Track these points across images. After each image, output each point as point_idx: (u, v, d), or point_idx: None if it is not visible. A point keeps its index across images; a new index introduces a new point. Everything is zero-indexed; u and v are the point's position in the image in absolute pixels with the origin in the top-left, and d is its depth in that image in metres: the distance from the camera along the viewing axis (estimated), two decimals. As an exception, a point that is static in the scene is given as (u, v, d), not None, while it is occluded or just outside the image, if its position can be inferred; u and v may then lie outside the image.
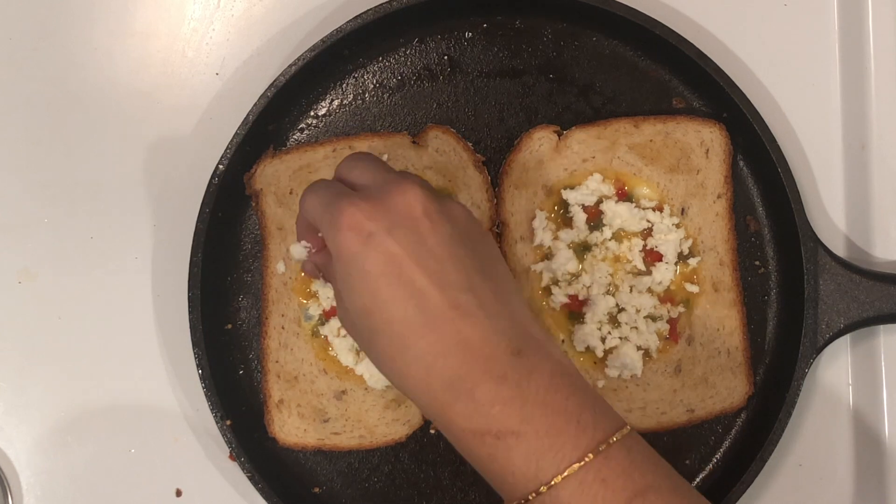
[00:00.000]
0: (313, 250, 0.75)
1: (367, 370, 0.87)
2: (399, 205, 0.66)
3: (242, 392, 0.90)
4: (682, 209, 0.89)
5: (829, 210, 0.93)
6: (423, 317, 0.64)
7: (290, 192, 0.89)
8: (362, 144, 0.89)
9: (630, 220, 0.87)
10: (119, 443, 0.91)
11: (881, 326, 0.89)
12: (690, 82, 0.91)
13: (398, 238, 0.65)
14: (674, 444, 0.90)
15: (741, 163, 0.91)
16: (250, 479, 0.86)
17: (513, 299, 0.68)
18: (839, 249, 0.92)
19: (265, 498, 0.86)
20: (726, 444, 0.90)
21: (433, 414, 0.65)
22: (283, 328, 0.88)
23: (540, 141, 0.89)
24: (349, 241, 0.65)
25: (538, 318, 0.87)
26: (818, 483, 0.91)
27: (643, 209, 0.88)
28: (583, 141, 0.89)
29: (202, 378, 0.86)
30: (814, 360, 0.86)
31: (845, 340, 0.91)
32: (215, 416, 0.86)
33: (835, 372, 0.92)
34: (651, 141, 0.89)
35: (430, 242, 0.65)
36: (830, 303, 0.86)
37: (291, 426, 0.88)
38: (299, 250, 0.77)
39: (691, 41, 0.87)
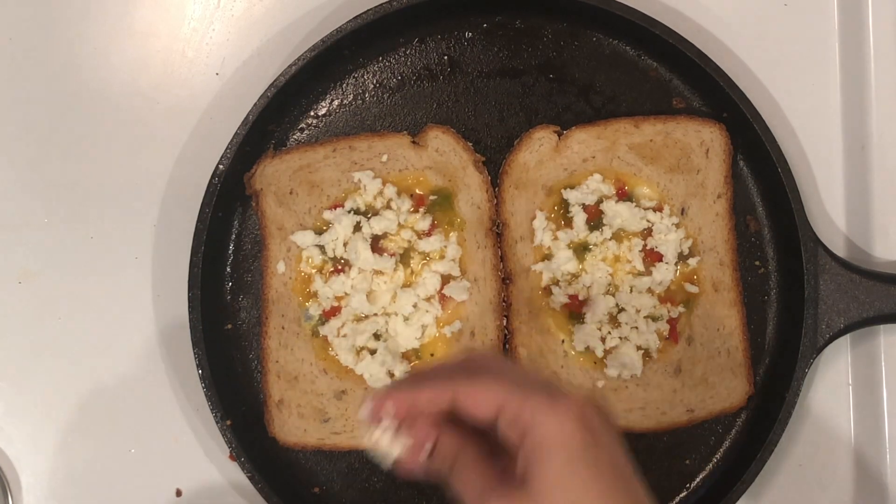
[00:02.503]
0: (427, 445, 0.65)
1: (366, 370, 0.87)
2: (599, 411, 0.62)
3: (242, 392, 0.90)
4: (682, 209, 0.89)
5: (829, 210, 0.93)
6: None
7: (291, 192, 0.89)
8: (362, 144, 0.89)
9: (630, 220, 0.87)
10: (119, 443, 0.91)
11: (881, 326, 0.89)
12: (690, 82, 0.91)
13: (620, 442, 0.62)
14: (674, 444, 0.90)
15: (741, 163, 0.91)
16: (250, 479, 0.86)
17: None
18: (839, 249, 0.92)
19: (265, 498, 0.86)
20: (726, 444, 0.90)
21: None
22: (283, 328, 0.88)
23: (540, 141, 0.89)
24: (577, 433, 0.60)
25: (539, 320, 0.87)
26: (818, 483, 0.91)
27: (643, 209, 0.88)
28: (583, 141, 0.89)
29: (202, 378, 0.86)
30: (814, 360, 0.86)
31: (845, 340, 0.91)
32: (215, 416, 0.86)
33: (835, 372, 0.92)
34: (651, 141, 0.89)
35: (627, 454, 0.63)
36: (830, 303, 0.86)
37: (291, 426, 0.88)
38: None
39: (691, 41, 0.87)
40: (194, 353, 0.86)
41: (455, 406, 0.63)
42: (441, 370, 0.66)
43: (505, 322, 0.88)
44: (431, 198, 0.88)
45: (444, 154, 0.89)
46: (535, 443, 0.61)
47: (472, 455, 0.64)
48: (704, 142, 0.89)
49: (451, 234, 0.88)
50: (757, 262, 0.91)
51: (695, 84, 0.90)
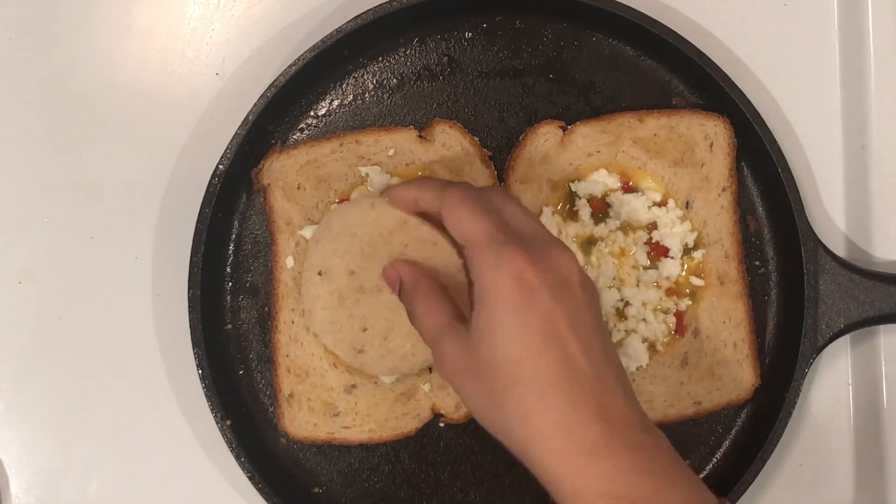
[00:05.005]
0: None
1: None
2: (562, 268, 0.68)
3: (242, 392, 0.90)
4: (687, 202, 0.89)
5: (829, 210, 0.93)
6: (572, 381, 0.66)
7: (298, 187, 0.89)
8: (369, 139, 0.89)
9: (637, 210, 0.88)
10: (119, 443, 0.91)
11: (881, 326, 0.89)
12: (690, 82, 0.91)
13: (562, 301, 0.67)
14: (674, 444, 0.89)
15: (741, 163, 0.91)
16: (250, 479, 0.86)
17: (628, 379, 0.71)
18: (839, 249, 0.92)
19: (265, 498, 0.86)
20: (726, 443, 0.90)
21: (559, 472, 0.66)
22: (292, 322, 0.89)
23: (545, 136, 0.89)
24: (512, 290, 0.66)
25: None
26: (818, 483, 0.91)
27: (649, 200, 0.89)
28: (587, 136, 0.89)
29: (202, 378, 0.86)
30: (814, 360, 0.86)
31: (845, 340, 0.91)
32: (215, 416, 0.86)
33: (835, 372, 0.92)
34: (655, 135, 0.89)
35: (584, 313, 0.68)
36: (830, 303, 0.86)
37: (302, 420, 0.88)
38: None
39: (691, 41, 0.87)
40: (194, 353, 0.86)
41: (442, 219, 0.72)
42: (453, 186, 0.73)
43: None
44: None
45: (451, 149, 0.89)
46: (478, 288, 0.68)
47: (426, 298, 0.73)
48: (708, 135, 0.89)
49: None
50: (757, 262, 0.91)
51: (695, 84, 0.91)
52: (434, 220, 0.76)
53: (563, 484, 0.66)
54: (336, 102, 0.91)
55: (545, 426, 0.66)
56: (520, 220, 0.72)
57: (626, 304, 0.88)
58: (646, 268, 0.88)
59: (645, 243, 0.88)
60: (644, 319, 0.88)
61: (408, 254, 0.80)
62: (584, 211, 0.88)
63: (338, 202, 0.89)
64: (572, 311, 0.67)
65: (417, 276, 0.76)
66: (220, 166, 0.87)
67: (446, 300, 0.74)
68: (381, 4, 0.87)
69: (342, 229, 0.82)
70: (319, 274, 0.85)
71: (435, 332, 0.72)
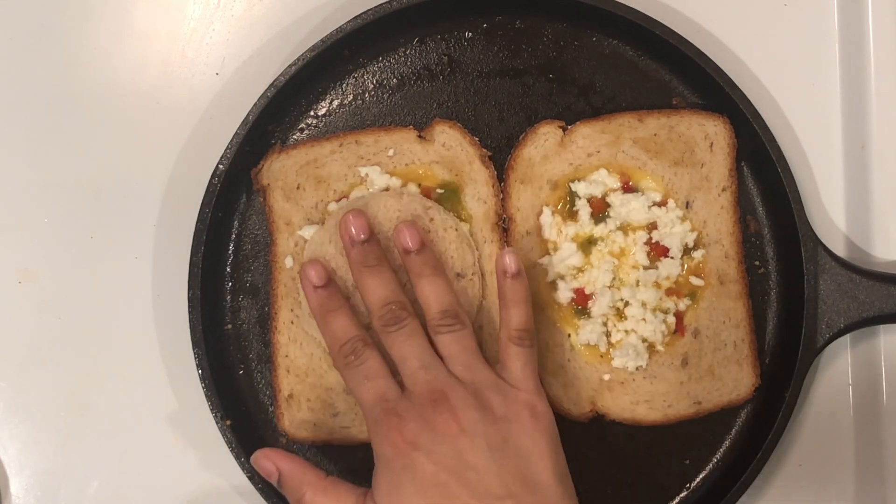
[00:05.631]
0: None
1: None
2: (440, 423, 0.73)
3: (242, 392, 0.90)
4: (687, 202, 0.89)
5: (829, 210, 0.93)
6: None
7: (298, 187, 0.89)
8: (369, 139, 0.89)
9: (637, 210, 0.88)
10: (119, 443, 0.91)
11: (881, 326, 0.89)
12: (690, 82, 0.91)
13: (439, 456, 0.71)
14: (674, 444, 0.90)
15: (741, 163, 0.91)
16: (250, 479, 0.86)
17: (557, 495, 0.74)
18: (839, 249, 0.92)
19: (265, 498, 0.86)
20: (726, 443, 0.90)
21: None
22: (292, 323, 0.89)
23: (545, 136, 0.89)
24: (394, 451, 0.73)
25: (545, 314, 0.88)
26: (818, 483, 0.91)
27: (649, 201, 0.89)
28: (587, 136, 0.89)
29: (202, 378, 0.86)
30: (814, 360, 0.86)
31: (845, 340, 0.91)
32: (215, 417, 0.86)
33: (835, 372, 0.92)
34: (655, 135, 0.89)
35: (470, 457, 0.72)
36: (830, 303, 0.86)
37: (301, 420, 0.88)
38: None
39: (691, 41, 0.87)
40: (194, 353, 0.86)
41: None
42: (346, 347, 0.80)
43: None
44: (438, 191, 0.89)
45: (451, 149, 0.89)
46: (375, 454, 0.75)
47: (329, 485, 0.77)
48: (708, 135, 0.89)
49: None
50: (757, 262, 0.91)
51: (695, 84, 0.91)
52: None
53: None
54: (336, 102, 0.91)
55: None
56: (408, 371, 0.76)
57: (626, 304, 0.88)
58: (646, 268, 0.88)
59: (645, 243, 0.88)
60: (644, 319, 0.88)
61: (426, 241, 0.84)
62: (584, 211, 0.88)
63: (336, 202, 0.89)
64: (455, 459, 0.71)
65: (303, 468, 0.77)
66: (220, 166, 0.87)
67: (342, 488, 0.76)
68: (381, 4, 0.87)
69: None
70: None
71: None
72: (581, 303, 0.88)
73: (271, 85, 0.87)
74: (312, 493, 0.76)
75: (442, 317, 0.79)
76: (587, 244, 0.88)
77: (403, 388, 0.77)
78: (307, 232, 0.88)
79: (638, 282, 0.88)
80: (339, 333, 0.80)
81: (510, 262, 0.81)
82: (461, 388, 0.75)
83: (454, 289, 0.84)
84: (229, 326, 0.91)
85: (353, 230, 0.82)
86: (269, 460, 0.78)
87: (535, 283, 0.88)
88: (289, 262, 0.89)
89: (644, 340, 0.88)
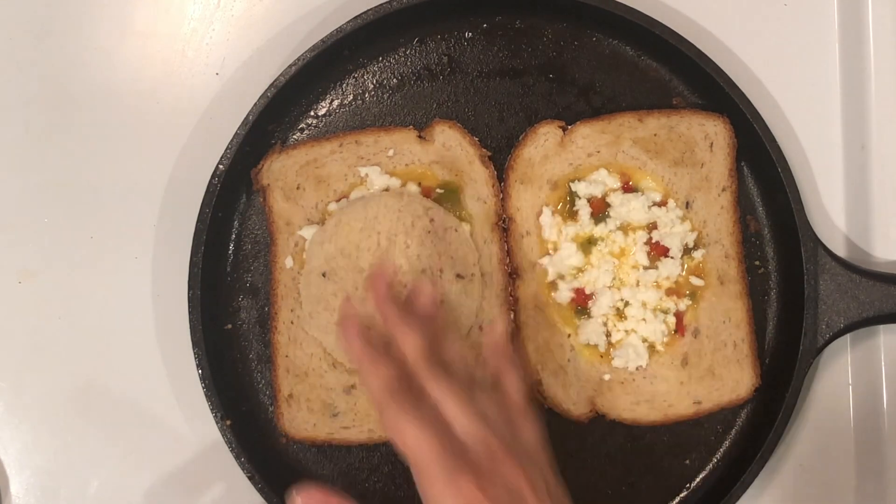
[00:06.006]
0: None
1: None
2: (511, 479, 0.69)
3: (242, 392, 0.90)
4: (687, 202, 0.89)
5: (829, 210, 0.93)
6: None
7: (298, 188, 0.89)
8: (369, 139, 0.89)
9: (637, 210, 0.88)
10: (119, 443, 0.91)
11: (881, 326, 0.89)
12: (690, 82, 0.91)
13: None
14: (674, 444, 0.90)
15: (741, 163, 0.91)
16: (250, 479, 0.86)
17: None
18: (839, 249, 0.92)
19: (265, 498, 0.86)
20: (727, 443, 0.90)
21: None
22: (292, 323, 0.89)
23: (545, 136, 0.89)
24: None
25: (545, 314, 0.88)
26: (818, 483, 0.91)
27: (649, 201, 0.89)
28: (587, 136, 0.89)
29: (202, 378, 0.86)
30: (814, 360, 0.86)
31: (845, 340, 0.91)
32: (215, 417, 0.86)
33: (835, 372, 0.92)
34: (655, 135, 0.89)
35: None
36: (830, 303, 0.86)
37: (301, 420, 0.88)
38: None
39: (691, 41, 0.87)
40: (194, 353, 0.86)
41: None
42: (390, 389, 0.72)
43: (512, 316, 0.88)
44: (438, 191, 0.89)
45: (451, 149, 0.89)
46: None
47: None
48: (708, 135, 0.89)
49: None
50: (757, 262, 0.91)
51: (695, 84, 0.91)
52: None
53: None
54: (336, 102, 0.91)
55: None
56: (461, 425, 0.71)
57: (626, 304, 0.88)
58: (646, 268, 0.88)
59: (645, 243, 0.88)
60: (644, 319, 0.88)
61: (427, 242, 0.84)
62: (584, 211, 0.88)
63: (336, 202, 0.89)
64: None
65: None
66: (220, 166, 0.87)
67: None
68: (381, 4, 0.87)
69: (363, 223, 0.84)
70: (323, 276, 0.85)
71: None
72: (581, 303, 0.88)
73: (271, 85, 0.87)
74: None
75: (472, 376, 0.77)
76: (587, 244, 0.88)
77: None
78: (307, 232, 0.88)
79: (638, 282, 0.88)
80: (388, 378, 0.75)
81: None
82: (512, 444, 0.73)
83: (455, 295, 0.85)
84: (229, 326, 0.91)
85: (381, 291, 0.78)
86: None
87: (536, 283, 0.88)
88: (289, 262, 0.89)
89: (644, 340, 0.88)
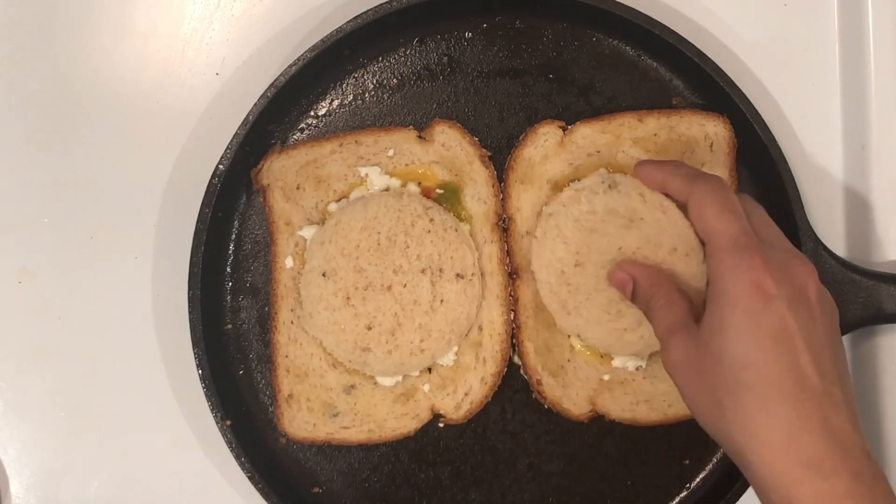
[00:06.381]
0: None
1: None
2: (801, 281, 0.70)
3: (242, 392, 0.90)
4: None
5: (829, 210, 0.93)
6: (800, 391, 0.66)
7: (298, 188, 0.89)
8: (368, 139, 0.89)
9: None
10: (119, 443, 0.91)
11: (881, 326, 0.89)
12: (690, 82, 0.91)
13: (797, 313, 0.69)
14: (674, 444, 0.90)
15: (741, 163, 0.90)
16: (250, 479, 0.86)
17: (855, 402, 0.71)
18: (839, 249, 0.92)
19: (265, 498, 0.86)
20: (726, 443, 0.90)
21: (772, 481, 0.66)
22: (292, 323, 0.89)
23: (545, 136, 0.89)
24: (751, 293, 0.68)
25: (545, 314, 0.87)
26: (818, 483, 0.91)
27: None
28: (587, 136, 0.89)
29: (202, 378, 0.86)
30: (814, 360, 0.86)
31: (845, 340, 0.91)
32: (215, 417, 0.86)
33: (835, 372, 0.92)
34: (655, 135, 0.89)
35: (818, 328, 0.69)
36: (830, 303, 0.86)
37: (301, 420, 0.88)
38: None
39: (691, 41, 0.87)
40: (194, 353, 0.86)
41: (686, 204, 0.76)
42: (705, 179, 0.76)
43: (512, 316, 0.88)
44: (438, 191, 0.89)
45: (451, 149, 0.89)
46: (715, 289, 0.70)
47: (667, 295, 0.75)
48: (708, 135, 0.89)
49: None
50: (757, 262, 0.91)
51: (695, 84, 0.91)
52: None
53: (774, 494, 0.66)
54: (336, 102, 0.91)
55: (766, 433, 0.66)
56: (765, 228, 0.74)
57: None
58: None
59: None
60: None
61: (427, 242, 0.84)
62: (584, 210, 0.88)
63: (336, 202, 0.89)
64: (806, 323, 0.68)
65: (655, 274, 0.78)
66: (220, 166, 0.87)
67: (683, 297, 0.75)
68: (381, 4, 0.87)
69: (363, 223, 0.84)
70: (324, 275, 0.85)
71: (670, 325, 0.73)
72: (581, 303, 0.88)
73: (271, 85, 0.87)
74: (655, 303, 0.76)
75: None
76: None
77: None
78: (307, 232, 0.88)
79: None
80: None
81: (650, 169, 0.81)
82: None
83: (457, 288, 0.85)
84: (229, 326, 0.91)
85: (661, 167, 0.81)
86: (623, 271, 0.79)
87: (536, 283, 0.88)
88: (289, 262, 0.89)
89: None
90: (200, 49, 0.94)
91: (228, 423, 0.86)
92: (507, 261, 0.89)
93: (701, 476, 0.90)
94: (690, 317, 0.73)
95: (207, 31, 0.94)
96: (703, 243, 0.77)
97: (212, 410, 0.86)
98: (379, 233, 0.85)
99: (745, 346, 0.67)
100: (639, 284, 0.78)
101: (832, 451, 0.65)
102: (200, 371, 0.86)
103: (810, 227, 0.87)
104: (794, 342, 0.67)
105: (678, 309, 0.74)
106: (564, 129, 0.90)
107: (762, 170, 0.89)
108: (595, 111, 0.91)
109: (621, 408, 0.88)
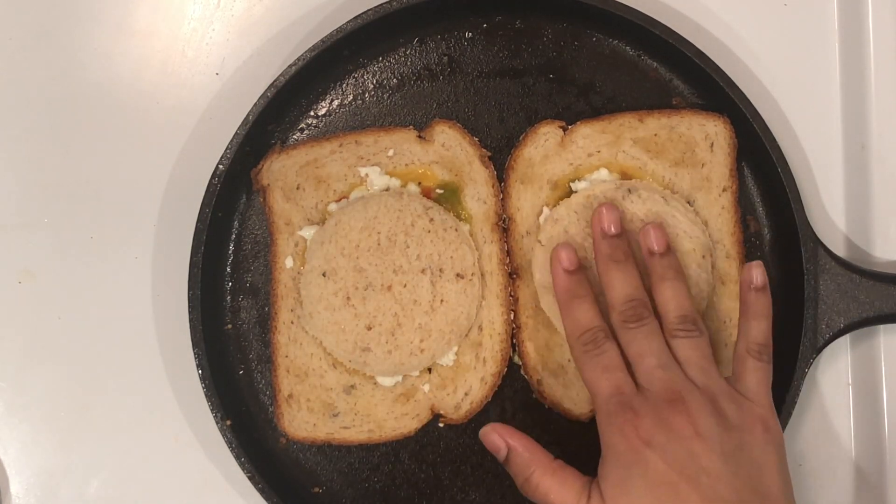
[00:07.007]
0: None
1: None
2: (676, 423, 0.72)
3: (242, 392, 0.90)
4: (688, 203, 0.89)
5: (829, 210, 0.93)
6: None
7: (298, 188, 0.89)
8: (368, 139, 0.89)
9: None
10: (119, 443, 0.91)
11: (881, 326, 0.89)
12: (690, 82, 0.91)
13: (673, 456, 0.71)
14: (674, 444, 0.90)
15: (741, 163, 0.90)
16: (250, 479, 0.86)
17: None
18: (839, 249, 0.92)
19: (265, 498, 0.86)
20: (726, 444, 0.90)
21: None
22: (292, 323, 0.89)
23: (545, 136, 0.89)
24: (627, 445, 0.72)
25: (545, 315, 0.88)
26: (818, 483, 0.91)
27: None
28: (588, 136, 0.89)
29: (202, 378, 0.86)
30: (814, 360, 0.86)
31: (845, 340, 0.91)
32: (215, 417, 0.86)
33: (835, 372, 0.92)
34: (656, 135, 0.89)
35: (703, 461, 0.71)
36: (830, 303, 0.86)
37: (301, 420, 0.88)
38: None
39: (691, 41, 0.87)
40: (194, 353, 0.86)
41: None
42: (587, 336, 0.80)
43: (512, 316, 0.88)
44: (438, 191, 0.89)
45: (451, 149, 0.89)
46: (602, 445, 0.75)
47: (559, 467, 0.78)
48: (709, 135, 0.89)
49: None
50: (757, 262, 0.91)
51: (695, 84, 0.91)
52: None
53: None
54: (336, 102, 0.91)
55: None
56: (645, 369, 0.76)
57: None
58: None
59: (645, 243, 0.88)
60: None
61: (427, 242, 0.84)
62: (584, 210, 0.88)
63: (336, 202, 0.89)
64: (688, 461, 0.71)
65: (532, 448, 0.79)
66: (220, 166, 0.87)
67: (569, 472, 0.77)
68: (381, 4, 0.87)
69: (363, 223, 0.84)
70: (324, 275, 0.86)
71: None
72: (581, 303, 0.88)
73: (271, 85, 0.87)
74: (540, 473, 0.77)
75: (681, 321, 0.79)
76: (587, 244, 0.88)
77: (638, 385, 0.76)
78: (307, 232, 0.88)
79: (638, 282, 0.88)
80: (583, 321, 0.79)
81: (756, 275, 0.82)
82: (697, 392, 0.75)
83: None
84: (229, 326, 0.91)
85: (606, 223, 0.82)
86: (498, 436, 0.79)
87: (535, 283, 0.88)
88: (289, 262, 0.89)
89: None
90: (200, 49, 0.94)
91: (228, 423, 0.86)
92: (507, 261, 0.89)
93: (701, 476, 0.90)
94: (583, 486, 0.75)
95: (207, 31, 0.94)
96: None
97: (212, 410, 0.86)
98: (379, 233, 0.85)
99: (641, 497, 0.71)
100: (515, 453, 0.79)
101: None
102: (200, 371, 0.86)
103: (810, 227, 0.87)
104: (678, 487, 0.70)
105: (570, 488, 0.76)
106: (565, 129, 0.90)
107: (762, 170, 0.89)
108: (595, 111, 0.91)
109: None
